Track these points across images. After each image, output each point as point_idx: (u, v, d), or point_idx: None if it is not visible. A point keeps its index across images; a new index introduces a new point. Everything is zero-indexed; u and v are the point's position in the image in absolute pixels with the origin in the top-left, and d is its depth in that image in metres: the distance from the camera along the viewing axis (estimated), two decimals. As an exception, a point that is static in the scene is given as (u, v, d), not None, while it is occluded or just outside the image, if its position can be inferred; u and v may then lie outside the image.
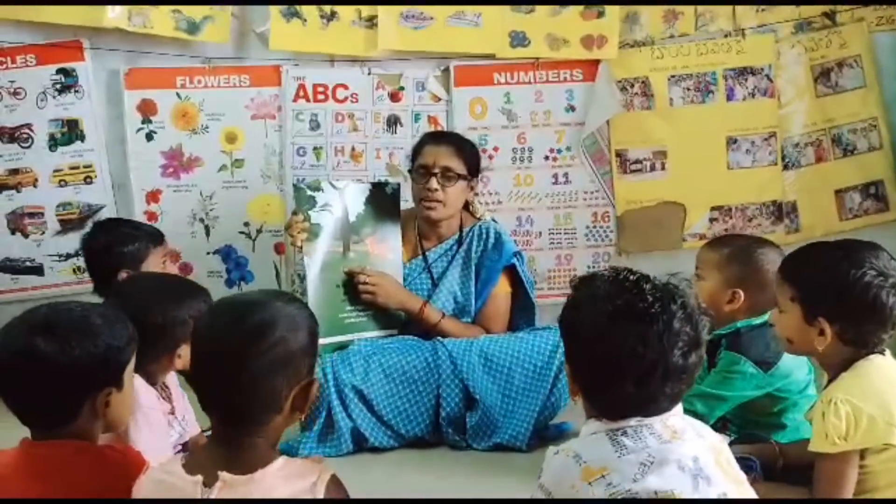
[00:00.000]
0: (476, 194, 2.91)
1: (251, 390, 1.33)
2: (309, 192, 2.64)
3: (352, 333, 2.68)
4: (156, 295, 1.93)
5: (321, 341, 2.52)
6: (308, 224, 2.61)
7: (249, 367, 1.32)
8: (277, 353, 1.34)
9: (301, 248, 2.59)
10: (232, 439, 1.35)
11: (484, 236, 2.82)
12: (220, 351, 1.34)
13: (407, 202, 2.90)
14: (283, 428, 1.40)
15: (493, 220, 2.90)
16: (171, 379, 2.07)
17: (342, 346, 2.64)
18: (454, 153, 2.74)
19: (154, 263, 2.48)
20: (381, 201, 2.77)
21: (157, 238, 2.54)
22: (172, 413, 2.01)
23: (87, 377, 1.45)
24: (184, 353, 1.88)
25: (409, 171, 2.85)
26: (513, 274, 2.82)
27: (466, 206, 2.86)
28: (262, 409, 1.34)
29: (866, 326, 1.73)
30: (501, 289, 2.80)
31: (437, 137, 2.87)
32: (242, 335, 1.33)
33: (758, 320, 2.17)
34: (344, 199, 2.70)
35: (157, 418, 1.90)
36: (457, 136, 2.90)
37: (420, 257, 2.82)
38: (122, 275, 2.40)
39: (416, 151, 2.82)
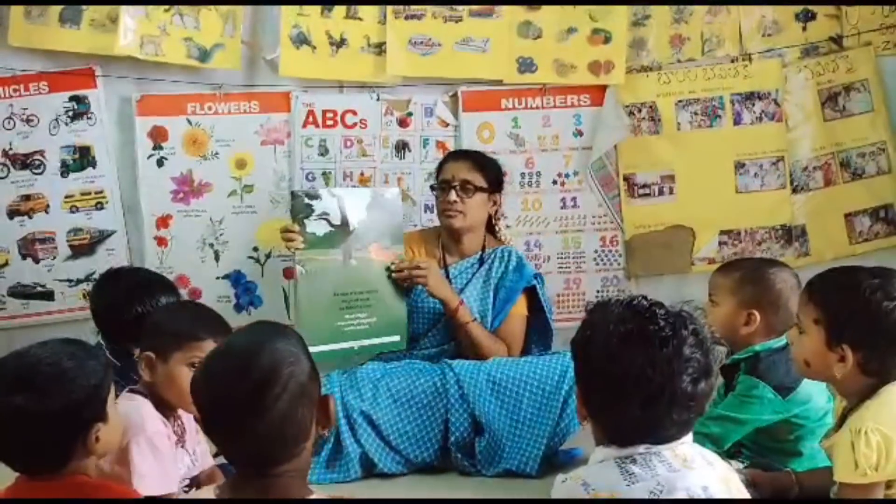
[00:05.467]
0: (498, 219, 2.95)
1: (278, 433, 1.32)
2: (306, 201, 2.64)
3: (352, 340, 2.66)
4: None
5: (316, 349, 2.52)
6: (302, 231, 2.61)
7: (272, 414, 1.30)
8: (293, 390, 1.33)
9: (295, 254, 2.61)
10: (263, 477, 1.34)
11: (506, 259, 2.86)
12: (235, 407, 1.31)
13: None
14: (311, 454, 1.39)
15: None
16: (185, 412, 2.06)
17: (345, 357, 2.65)
18: (472, 167, 2.83)
19: None
20: (384, 208, 2.76)
21: (168, 288, 2.46)
22: (181, 444, 1.99)
23: (72, 422, 1.45)
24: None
25: (432, 188, 2.94)
26: (531, 297, 2.84)
27: (492, 229, 2.93)
28: (293, 444, 1.34)
29: (891, 359, 1.69)
30: (518, 310, 2.82)
31: (458, 154, 2.97)
32: (254, 386, 1.31)
33: (776, 344, 2.16)
34: (343, 207, 2.68)
35: (164, 444, 1.89)
36: (477, 153, 2.97)
37: (441, 270, 2.84)
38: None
39: (439, 169, 2.92)
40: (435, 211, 3.11)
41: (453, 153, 3.01)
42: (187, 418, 2.04)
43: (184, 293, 3.18)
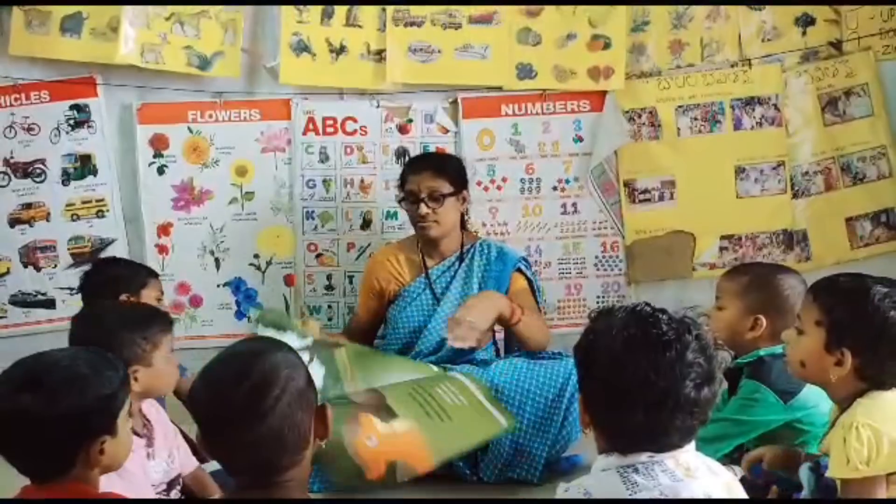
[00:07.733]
0: (468, 213, 2.94)
1: (278, 437, 1.31)
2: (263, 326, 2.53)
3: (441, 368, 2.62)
4: (108, 318, 1.98)
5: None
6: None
7: (271, 417, 1.30)
8: (292, 393, 1.33)
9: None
10: (264, 487, 1.34)
11: (485, 252, 2.85)
12: (235, 410, 1.31)
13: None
14: (311, 463, 1.39)
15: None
16: (156, 414, 2.05)
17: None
18: (435, 175, 2.79)
19: (150, 294, 2.50)
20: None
21: (152, 272, 2.61)
22: (150, 446, 1.97)
23: (77, 429, 1.43)
24: (140, 376, 1.90)
25: (399, 201, 2.89)
26: (526, 277, 2.83)
27: (464, 224, 2.91)
28: (293, 450, 1.34)
29: (890, 367, 1.68)
30: (519, 285, 2.79)
31: (418, 163, 2.92)
32: (253, 389, 1.31)
33: (780, 348, 2.15)
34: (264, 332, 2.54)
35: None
36: (436, 157, 3.04)
37: (423, 276, 2.84)
38: (123, 298, 2.43)
39: (402, 179, 2.87)
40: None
41: (413, 163, 2.95)
42: (157, 419, 2.03)
43: (184, 300, 3.20)
